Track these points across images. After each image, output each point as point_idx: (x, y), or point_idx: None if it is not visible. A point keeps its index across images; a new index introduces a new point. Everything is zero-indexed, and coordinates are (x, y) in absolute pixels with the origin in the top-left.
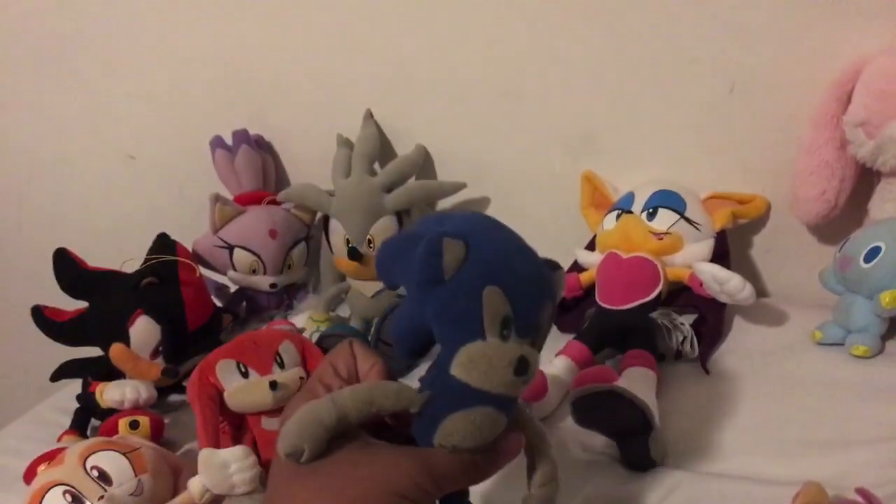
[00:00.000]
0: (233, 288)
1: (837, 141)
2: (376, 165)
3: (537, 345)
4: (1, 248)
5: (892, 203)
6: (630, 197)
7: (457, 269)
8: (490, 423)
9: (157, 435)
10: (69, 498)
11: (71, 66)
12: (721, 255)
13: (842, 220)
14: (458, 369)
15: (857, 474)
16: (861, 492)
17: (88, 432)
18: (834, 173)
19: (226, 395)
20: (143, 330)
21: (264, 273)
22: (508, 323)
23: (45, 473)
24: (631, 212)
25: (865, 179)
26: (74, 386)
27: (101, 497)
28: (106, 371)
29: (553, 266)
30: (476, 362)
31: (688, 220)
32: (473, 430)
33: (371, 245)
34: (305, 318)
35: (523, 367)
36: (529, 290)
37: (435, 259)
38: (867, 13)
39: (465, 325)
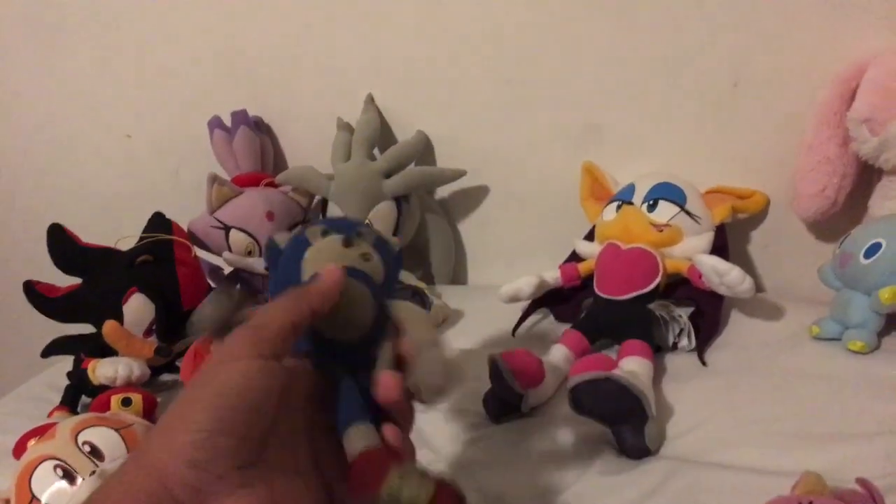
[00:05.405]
0: (227, 269)
1: (839, 138)
2: (376, 150)
3: None
4: None
5: (893, 201)
6: (631, 188)
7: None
8: None
9: (149, 413)
10: (60, 472)
11: (69, 44)
12: (720, 249)
13: (841, 217)
14: None
15: (853, 467)
16: (862, 482)
17: (79, 409)
18: (835, 170)
19: None
20: (137, 308)
21: (260, 255)
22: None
23: (35, 448)
24: (631, 203)
25: (865, 177)
26: (65, 363)
27: (93, 472)
28: (98, 348)
29: None
30: None
31: (688, 213)
32: None
33: None
34: None
35: None
36: None
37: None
38: (871, 11)
39: None
